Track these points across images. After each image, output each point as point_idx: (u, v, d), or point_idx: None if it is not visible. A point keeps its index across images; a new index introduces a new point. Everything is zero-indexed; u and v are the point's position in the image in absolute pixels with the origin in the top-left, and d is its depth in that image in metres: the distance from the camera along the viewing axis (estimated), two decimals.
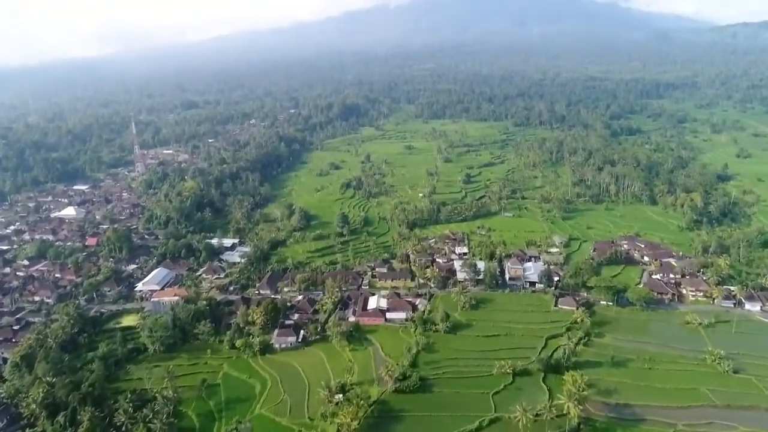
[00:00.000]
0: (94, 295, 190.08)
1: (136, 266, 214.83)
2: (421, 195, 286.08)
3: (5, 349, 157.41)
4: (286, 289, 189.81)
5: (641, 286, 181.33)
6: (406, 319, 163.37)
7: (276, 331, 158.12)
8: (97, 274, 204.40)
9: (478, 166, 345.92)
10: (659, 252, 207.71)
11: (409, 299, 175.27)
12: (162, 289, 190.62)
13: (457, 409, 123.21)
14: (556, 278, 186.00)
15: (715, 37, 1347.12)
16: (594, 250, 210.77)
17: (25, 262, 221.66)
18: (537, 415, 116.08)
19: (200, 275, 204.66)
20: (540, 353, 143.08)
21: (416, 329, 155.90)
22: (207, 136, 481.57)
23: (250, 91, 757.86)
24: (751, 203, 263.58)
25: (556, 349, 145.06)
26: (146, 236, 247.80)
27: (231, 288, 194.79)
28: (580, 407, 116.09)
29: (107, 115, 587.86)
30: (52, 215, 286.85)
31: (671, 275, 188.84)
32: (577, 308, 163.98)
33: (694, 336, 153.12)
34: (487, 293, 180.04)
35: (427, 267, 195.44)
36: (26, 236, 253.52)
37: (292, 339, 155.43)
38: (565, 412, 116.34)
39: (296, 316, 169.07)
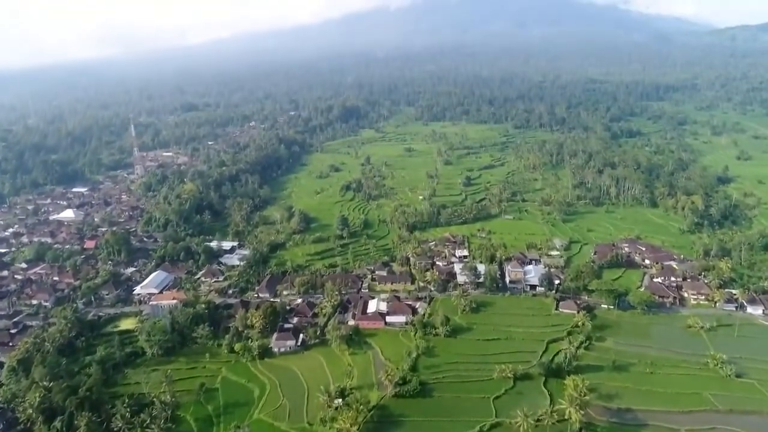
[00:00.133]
0: (92, 299, 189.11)
1: (134, 269, 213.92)
2: (421, 197, 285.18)
3: (2, 353, 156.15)
4: (285, 293, 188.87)
5: (642, 289, 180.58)
6: (406, 323, 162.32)
7: (275, 335, 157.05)
8: (96, 277, 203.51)
9: (478, 169, 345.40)
10: (660, 255, 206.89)
11: (409, 303, 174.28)
12: (160, 292, 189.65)
13: (458, 414, 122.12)
14: (556, 281, 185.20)
15: (715, 40, 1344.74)
16: (595, 253, 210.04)
17: (23, 265, 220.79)
18: (538, 420, 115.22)
19: (199, 278, 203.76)
20: (541, 357, 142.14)
21: (416, 333, 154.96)
22: (207, 139, 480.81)
23: (250, 94, 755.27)
24: (752, 206, 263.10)
25: (557, 353, 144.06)
26: (145, 239, 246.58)
27: (230, 291, 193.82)
28: (582, 412, 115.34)
29: (107, 117, 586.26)
30: (51, 218, 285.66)
31: (672, 278, 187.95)
32: (578, 312, 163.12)
33: (695, 340, 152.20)
34: (487, 296, 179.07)
35: (427, 270, 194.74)
36: (24, 239, 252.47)
37: (291, 343, 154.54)
38: (566, 417, 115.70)
39: (295, 319, 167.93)
